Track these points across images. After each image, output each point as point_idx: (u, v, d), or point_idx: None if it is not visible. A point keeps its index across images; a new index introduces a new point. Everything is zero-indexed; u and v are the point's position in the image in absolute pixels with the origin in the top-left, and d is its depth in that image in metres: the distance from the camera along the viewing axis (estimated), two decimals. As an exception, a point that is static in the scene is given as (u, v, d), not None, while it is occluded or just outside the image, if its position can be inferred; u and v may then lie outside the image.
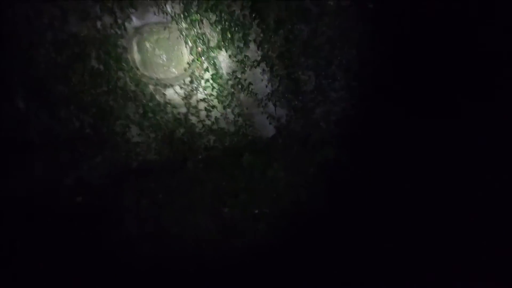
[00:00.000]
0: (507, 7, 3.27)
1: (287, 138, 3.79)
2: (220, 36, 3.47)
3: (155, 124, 3.70)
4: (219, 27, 3.44)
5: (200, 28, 3.43)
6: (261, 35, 3.57)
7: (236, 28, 3.46)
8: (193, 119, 3.75)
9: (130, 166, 3.78)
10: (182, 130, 3.75)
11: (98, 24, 3.29)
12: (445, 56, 3.44)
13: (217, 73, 3.59)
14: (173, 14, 3.36)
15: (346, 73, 3.64)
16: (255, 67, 3.65)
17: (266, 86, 3.71)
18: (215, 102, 3.70)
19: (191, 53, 3.52)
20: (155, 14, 3.36)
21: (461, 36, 3.39)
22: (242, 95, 3.73)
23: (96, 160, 3.73)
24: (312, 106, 3.73)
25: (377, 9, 3.53)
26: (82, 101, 3.51)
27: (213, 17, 3.37)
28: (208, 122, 3.75)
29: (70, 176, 3.69)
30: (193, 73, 3.61)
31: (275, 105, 3.74)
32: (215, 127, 3.78)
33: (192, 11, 3.34)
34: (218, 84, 3.63)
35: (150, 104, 3.62)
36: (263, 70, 3.65)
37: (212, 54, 3.54)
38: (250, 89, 3.68)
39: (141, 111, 3.63)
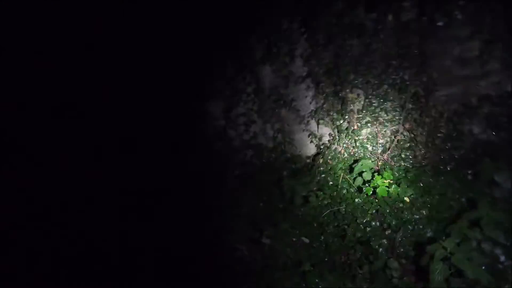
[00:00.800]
0: None
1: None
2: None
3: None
4: (265, 41, 3.40)
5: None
6: (309, 49, 3.46)
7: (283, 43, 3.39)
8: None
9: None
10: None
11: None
12: None
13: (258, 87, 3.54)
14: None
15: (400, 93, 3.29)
16: (300, 83, 3.53)
17: (310, 103, 3.55)
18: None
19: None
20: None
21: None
22: (283, 111, 3.62)
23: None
24: (359, 126, 3.44)
25: (445, 26, 3.16)
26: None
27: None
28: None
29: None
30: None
31: (318, 123, 3.54)
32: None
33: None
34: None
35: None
36: (308, 86, 3.51)
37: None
38: (292, 105, 3.56)
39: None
